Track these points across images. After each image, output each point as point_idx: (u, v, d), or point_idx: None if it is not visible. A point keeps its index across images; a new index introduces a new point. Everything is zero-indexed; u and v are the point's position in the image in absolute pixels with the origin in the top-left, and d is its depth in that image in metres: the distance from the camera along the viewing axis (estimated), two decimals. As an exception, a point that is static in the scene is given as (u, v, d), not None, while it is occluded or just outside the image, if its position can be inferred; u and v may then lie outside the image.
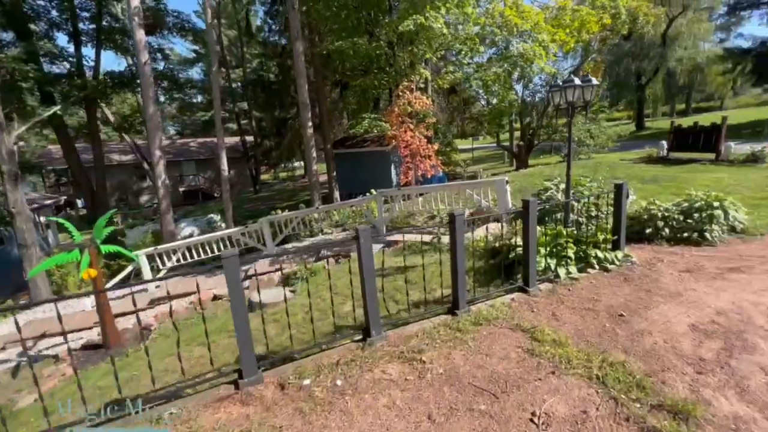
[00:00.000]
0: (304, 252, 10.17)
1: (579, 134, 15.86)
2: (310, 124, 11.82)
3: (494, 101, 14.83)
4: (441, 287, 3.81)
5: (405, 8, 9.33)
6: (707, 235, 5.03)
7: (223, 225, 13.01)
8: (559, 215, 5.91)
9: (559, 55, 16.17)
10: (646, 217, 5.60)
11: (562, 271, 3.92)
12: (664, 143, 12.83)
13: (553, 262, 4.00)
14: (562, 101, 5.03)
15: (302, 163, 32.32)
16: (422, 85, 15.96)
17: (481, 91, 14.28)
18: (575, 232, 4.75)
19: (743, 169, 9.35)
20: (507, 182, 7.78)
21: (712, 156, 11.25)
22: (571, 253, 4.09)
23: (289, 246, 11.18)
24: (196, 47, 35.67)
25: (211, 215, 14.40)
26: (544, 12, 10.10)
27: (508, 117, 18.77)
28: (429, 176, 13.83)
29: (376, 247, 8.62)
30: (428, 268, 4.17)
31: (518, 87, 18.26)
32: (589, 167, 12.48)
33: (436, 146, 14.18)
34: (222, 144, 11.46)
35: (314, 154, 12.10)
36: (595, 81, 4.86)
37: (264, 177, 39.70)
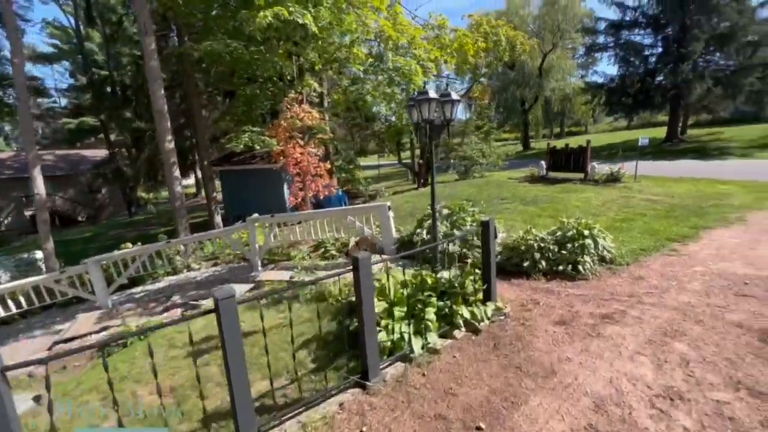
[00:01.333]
0: (152, 297, 7.97)
1: (472, 153, 16.35)
2: (169, 137, 9.67)
3: (393, 119, 14.42)
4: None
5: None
6: (580, 267, 4.66)
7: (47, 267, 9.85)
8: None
9: (453, 77, 16.69)
10: (523, 248, 5.11)
11: (417, 345, 2.92)
12: (543, 163, 13.69)
13: (408, 331, 3.00)
14: (420, 118, 4.21)
15: (194, 180, 28.47)
16: (317, 99, 14.83)
17: (381, 108, 13.74)
18: (447, 274, 3.90)
19: (606, 189, 10.10)
20: (389, 208, 6.92)
21: (581, 176, 12.20)
22: (431, 315, 3.14)
23: (137, 290, 8.78)
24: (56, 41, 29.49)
25: (37, 252, 10.93)
26: (426, 30, 9.97)
27: (409, 135, 18.74)
28: (321, 197, 12.56)
29: (241, 289, 6.97)
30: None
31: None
32: (479, 186, 12.63)
33: (329, 164, 13.06)
34: (34, 158, 8.57)
35: (177, 173, 9.92)
36: (455, 96, 4.15)
37: (147, 197, 34.24)
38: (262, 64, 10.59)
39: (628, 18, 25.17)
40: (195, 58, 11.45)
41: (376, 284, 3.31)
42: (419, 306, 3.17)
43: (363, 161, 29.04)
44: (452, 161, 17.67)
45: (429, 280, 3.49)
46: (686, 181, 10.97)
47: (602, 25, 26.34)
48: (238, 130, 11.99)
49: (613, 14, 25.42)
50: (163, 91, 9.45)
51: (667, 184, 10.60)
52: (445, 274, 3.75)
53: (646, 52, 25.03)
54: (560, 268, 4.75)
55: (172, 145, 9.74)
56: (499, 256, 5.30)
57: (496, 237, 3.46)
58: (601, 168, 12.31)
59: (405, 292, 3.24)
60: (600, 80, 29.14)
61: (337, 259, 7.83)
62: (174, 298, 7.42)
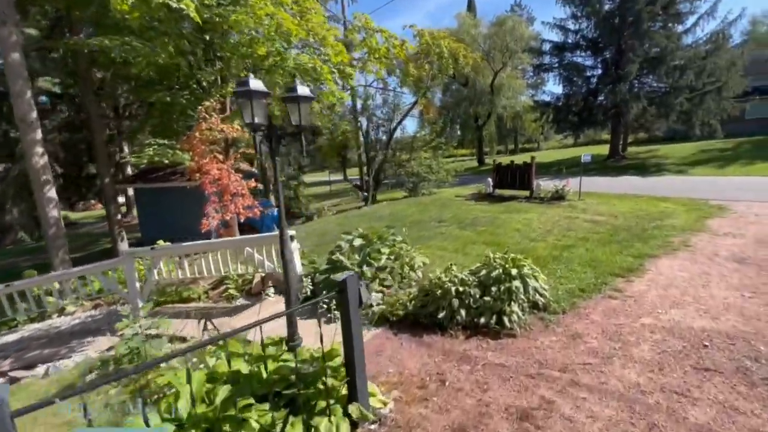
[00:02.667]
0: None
1: (419, 169, 15.56)
2: (39, 150, 7.84)
3: (347, 129, 13.28)
4: None
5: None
6: (506, 319, 3.62)
7: None
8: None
9: (402, 91, 15.96)
10: (440, 292, 4.00)
11: None
12: (490, 180, 13.10)
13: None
14: (252, 118, 3.03)
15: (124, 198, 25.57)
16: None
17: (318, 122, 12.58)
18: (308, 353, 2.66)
19: (551, 208, 9.49)
20: (292, 238, 5.64)
21: (527, 193, 11.65)
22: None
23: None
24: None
25: None
26: (352, 33, 9.06)
27: (357, 150, 17.70)
28: (242, 219, 11.00)
29: (102, 346, 5.31)
30: None
31: (363, 120, 17.47)
32: (423, 205, 11.70)
33: (253, 183, 11.59)
34: None
35: (51, 193, 8.05)
36: (304, 91, 3.01)
37: (75, 216, 30.60)
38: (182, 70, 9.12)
39: (570, 41, 26.16)
40: (89, 57, 9.71)
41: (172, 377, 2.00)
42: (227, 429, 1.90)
43: (316, 177, 27.67)
44: (404, 178, 16.81)
45: (262, 373, 2.24)
46: (629, 198, 10.67)
47: (547, 47, 27.26)
48: (144, 144, 10.29)
49: (557, 37, 26.34)
50: (30, 95, 7.66)
51: (611, 201, 10.20)
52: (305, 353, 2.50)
53: (588, 73, 26.03)
54: (482, 320, 3.69)
55: (43, 160, 7.90)
56: (411, 303, 4.17)
57: (361, 305, 2.30)
58: (547, 185, 11.85)
59: (216, 397, 1.96)
60: (547, 99, 30.16)
61: (237, 300, 6.40)
62: (5, 362, 5.58)
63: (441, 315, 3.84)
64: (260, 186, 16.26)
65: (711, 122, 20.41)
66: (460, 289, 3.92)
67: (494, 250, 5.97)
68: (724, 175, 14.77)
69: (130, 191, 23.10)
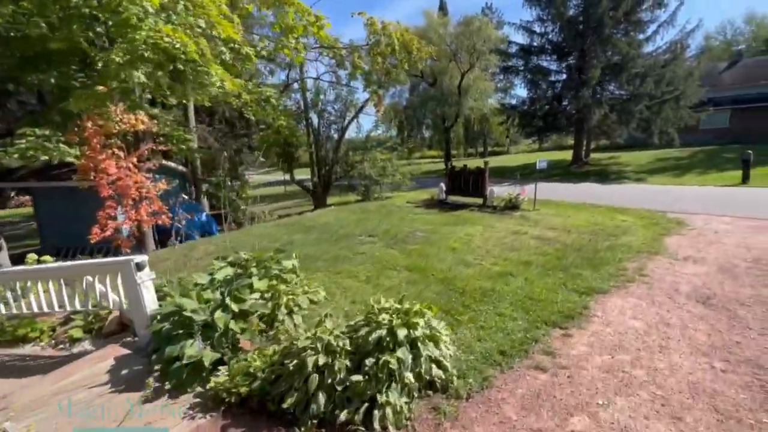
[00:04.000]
0: None
1: (372, 171, 14.31)
2: None
3: (282, 124, 11.73)
4: None
5: None
6: (376, 415, 2.37)
7: None
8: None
9: (352, 85, 14.61)
10: (293, 364, 2.70)
11: None
12: (443, 186, 12.03)
13: None
14: None
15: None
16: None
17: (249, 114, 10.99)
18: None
19: (501, 220, 8.47)
20: (138, 266, 4.17)
21: (480, 201, 10.65)
22: None
23: None
24: None
25: None
26: (264, 5, 7.62)
27: (308, 148, 16.20)
28: (146, 227, 9.30)
29: None
30: None
31: (314, 115, 16.01)
32: (367, 212, 10.41)
33: (162, 184, 9.89)
34: None
35: None
36: None
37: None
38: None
39: (536, 44, 25.80)
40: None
41: None
42: None
43: (275, 176, 25.75)
44: (356, 180, 15.49)
45: None
46: (586, 209, 9.86)
47: (514, 48, 26.82)
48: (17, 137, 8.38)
49: (523, 39, 25.92)
50: None
51: (566, 212, 9.33)
52: None
53: (553, 78, 25.76)
54: (343, 416, 2.42)
55: None
56: (263, 374, 2.86)
57: None
58: (502, 192, 10.89)
59: None
60: (513, 102, 29.81)
61: (81, 343, 4.84)
62: None
63: (290, 400, 2.54)
64: (180, 194, 14.39)
65: (669, 131, 20.43)
66: (323, 360, 2.63)
67: (415, 280, 4.78)
68: (681, 184, 14.46)
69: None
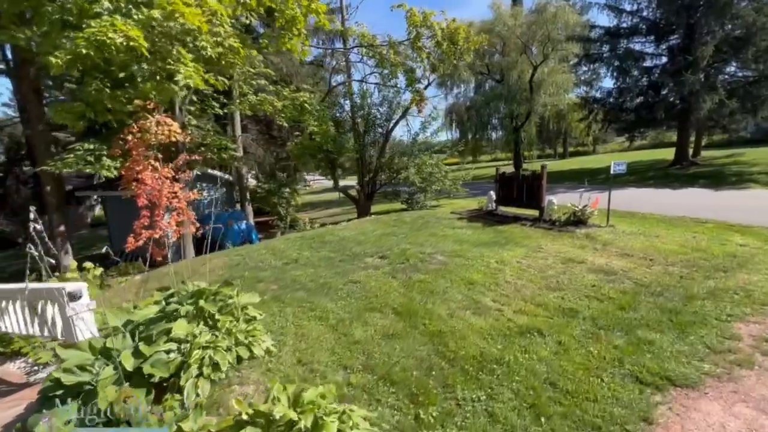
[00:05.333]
0: None
1: (416, 177, 13.09)
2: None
3: (314, 130, 11.34)
4: None
5: None
6: None
7: None
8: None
9: (396, 85, 13.59)
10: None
11: None
12: (493, 194, 10.32)
13: None
14: None
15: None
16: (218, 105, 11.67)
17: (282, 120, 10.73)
18: None
19: (558, 239, 6.66)
20: (74, 296, 3.68)
21: (536, 213, 8.78)
22: None
23: None
24: None
25: None
26: None
27: (355, 154, 15.62)
28: (175, 238, 9.37)
29: None
30: None
31: (360, 120, 15.36)
32: (398, 224, 9.28)
33: (194, 194, 9.94)
34: None
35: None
36: None
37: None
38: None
39: (625, 24, 22.02)
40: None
41: None
42: None
43: (330, 183, 25.90)
44: (401, 187, 14.43)
45: None
46: (685, 225, 7.43)
47: (597, 33, 23.25)
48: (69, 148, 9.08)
49: (608, 20, 22.31)
50: None
51: (654, 230, 7.08)
52: None
53: (648, 63, 21.73)
54: None
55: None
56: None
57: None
58: (568, 199, 8.89)
59: None
60: (597, 95, 25.91)
61: (50, 368, 4.59)
62: None
63: None
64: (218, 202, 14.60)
65: (821, 119, 15.49)
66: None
67: (397, 331, 3.55)
68: (843, 192, 10.49)
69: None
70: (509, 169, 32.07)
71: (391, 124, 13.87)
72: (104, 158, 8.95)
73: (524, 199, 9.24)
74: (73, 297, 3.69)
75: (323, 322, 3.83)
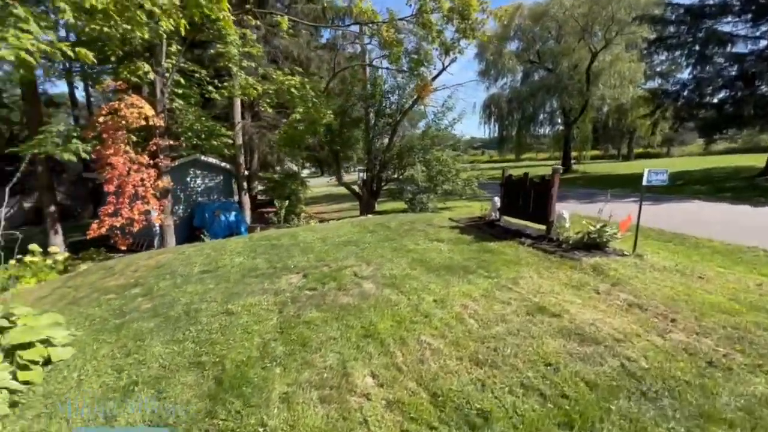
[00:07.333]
0: None
1: (420, 176, 11.53)
2: None
3: (296, 117, 10.29)
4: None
5: None
6: None
7: None
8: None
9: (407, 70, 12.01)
10: None
11: None
12: (497, 200, 8.51)
13: None
14: None
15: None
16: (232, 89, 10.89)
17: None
18: None
19: (551, 271, 4.91)
20: None
21: (543, 228, 6.93)
22: None
23: None
24: None
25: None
26: None
27: (365, 145, 14.37)
28: (136, 228, 8.91)
29: None
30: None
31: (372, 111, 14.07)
32: (377, 230, 7.91)
33: (162, 182, 9.38)
34: None
35: None
36: None
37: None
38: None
39: (711, 1, 18.19)
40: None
41: None
42: None
43: (351, 176, 25.13)
44: (406, 185, 12.93)
45: None
46: (753, 260, 5.28)
47: (674, 13, 19.52)
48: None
49: (688, -4, 18.49)
50: None
51: (700, 266, 5.07)
52: None
53: (740, 48, 17.80)
54: None
55: None
56: None
57: None
58: (587, 210, 6.94)
59: None
60: (668, 87, 22.00)
61: None
62: None
63: None
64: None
65: None
66: None
67: (202, 407, 2.28)
68: None
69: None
70: (545, 170, 28.66)
71: (399, 115, 12.38)
72: (74, 140, 8.61)
73: (531, 210, 7.37)
74: None
75: (115, 375, 2.68)
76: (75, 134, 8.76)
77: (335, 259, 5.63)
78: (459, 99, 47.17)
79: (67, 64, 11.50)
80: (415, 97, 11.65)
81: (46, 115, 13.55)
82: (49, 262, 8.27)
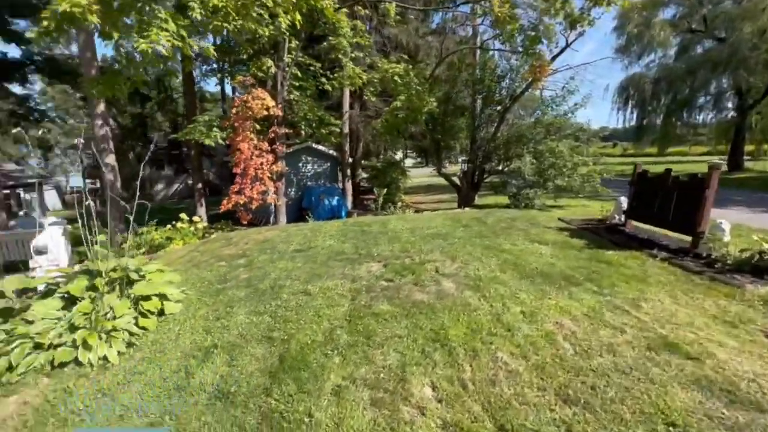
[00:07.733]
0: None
1: (528, 169, 10.34)
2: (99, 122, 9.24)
3: (397, 105, 10.25)
4: None
5: None
6: None
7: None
8: None
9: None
10: None
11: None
12: (623, 201, 7.03)
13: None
14: None
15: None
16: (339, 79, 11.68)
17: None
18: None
19: (692, 295, 3.80)
20: (42, 251, 3.91)
21: (687, 240, 5.46)
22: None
23: None
24: None
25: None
26: None
27: (469, 133, 13.67)
28: (254, 206, 10.19)
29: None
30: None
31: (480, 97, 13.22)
32: (473, 228, 7.38)
33: (277, 167, 10.40)
34: None
35: (108, 159, 9.42)
36: None
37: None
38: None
39: None
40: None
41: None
42: None
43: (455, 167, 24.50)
44: (511, 178, 11.80)
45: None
46: None
47: None
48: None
49: None
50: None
51: None
52: None
53: None
54: None
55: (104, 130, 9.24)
56: None
57: None
58: (750, 221, 5.26)
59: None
60: None
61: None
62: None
63: None
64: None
65: None
66: None
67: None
68: None
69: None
70: (701, 167, 22.76)
71: (509, 101, 11.25)
72: (215, 128, 10.23)
73: (671, 215, 5.85)
74: (39, 252, 4.00)
75: (203, 335, 2.99)
76: (215, 124, 10.38)
77: (419, 252, 5.39)
78: (585, 81, 41.06)
79: (215, 65, 13.65)
80: (529, 80, 10.38)
81: (201, 108, 16.39)
82: (192, 228, 10.09)
